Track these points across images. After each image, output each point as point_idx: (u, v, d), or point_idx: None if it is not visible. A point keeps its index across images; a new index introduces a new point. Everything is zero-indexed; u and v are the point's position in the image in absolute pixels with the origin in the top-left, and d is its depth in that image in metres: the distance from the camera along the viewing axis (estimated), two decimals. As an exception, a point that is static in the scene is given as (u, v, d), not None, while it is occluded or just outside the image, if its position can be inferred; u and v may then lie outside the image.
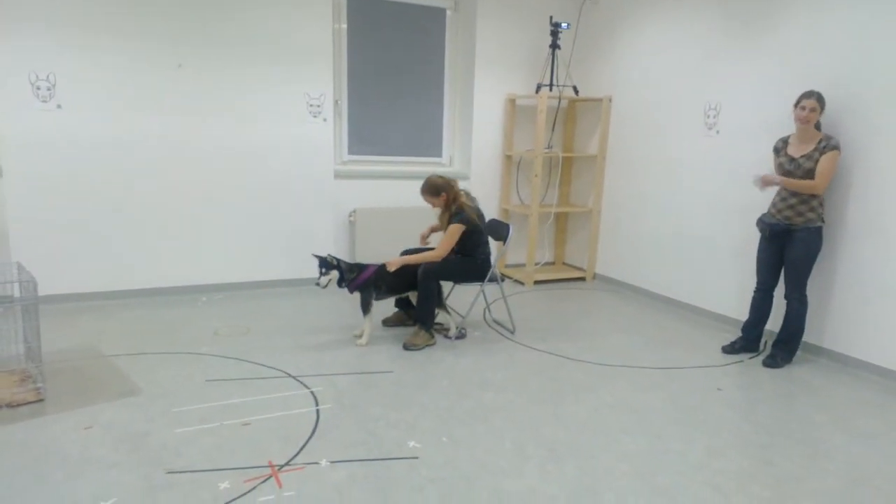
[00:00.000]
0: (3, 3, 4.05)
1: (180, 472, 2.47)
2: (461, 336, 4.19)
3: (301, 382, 3.39)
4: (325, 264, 3.92)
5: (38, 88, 4.21)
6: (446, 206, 4.05)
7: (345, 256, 5.43)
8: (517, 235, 5.58)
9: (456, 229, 3.97)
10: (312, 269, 5.19)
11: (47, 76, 4.22)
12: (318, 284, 3.92)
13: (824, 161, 3.58)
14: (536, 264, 5.89)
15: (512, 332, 4.34)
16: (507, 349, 4.05)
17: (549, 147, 5.91)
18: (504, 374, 3.62)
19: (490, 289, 4.51)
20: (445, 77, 5.87)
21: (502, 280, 4.58)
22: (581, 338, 4.32)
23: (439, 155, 5.99)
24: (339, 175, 5.36)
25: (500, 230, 4.49)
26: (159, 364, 3.56)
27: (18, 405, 2.92)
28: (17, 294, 3.21)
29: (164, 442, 2.70)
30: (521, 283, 5.76)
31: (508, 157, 5.94)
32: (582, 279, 5.99)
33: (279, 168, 5.06)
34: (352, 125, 5.54)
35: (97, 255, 4.58)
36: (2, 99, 4.14)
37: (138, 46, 4.44)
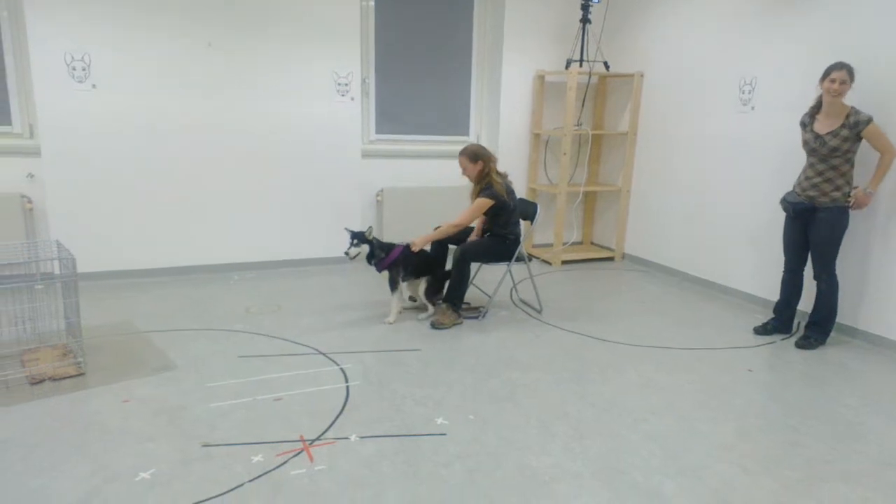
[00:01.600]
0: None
1: (215, 445, 2.55)
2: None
3: (331, 359, 3.44)
4: (359, 236, 3.96)
5: (74, 69, 4.29)
6: (479, 178, 4.04)
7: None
8: (545, 215, 5.55)
9: (482, 203, 3.97)
10: (341, 249, 5.28)
11: (82, 56, 4.30)
12: (346, 254, 3.97)
13: (874, 136, 3.48)
14: (564, 244, 5.85)
15: (539, 312, 4.34)
16: (533, 328, 4.05)
17: (579, 124, 5.83)
18: (530, 353, 3.63)
19: (517, 268, 4.50)
20: (473, 54, 5.82)
21: (529, 260, 4.58)
22: (608, 318, 4.30)
23: (466, 133, 5.96)
24: (366, 154, 5.38)
25: (527, 209, 4.47)
26: (193, 340, 3.65)
27: (60, 379, 3.04)
28: (56, 271, 3.31)
29: (199, 416, 2.78)
30: (549, 263, 5.73)
31: (537, 136, 5.88)
32: (610, 259, 5.94)
33: (307, 147, 5.10)
34: (379, 104, 5.54)
35: (132, 233, 4.69)
36: (39, 80, 4.25)
37: (169, 26, 4.49)
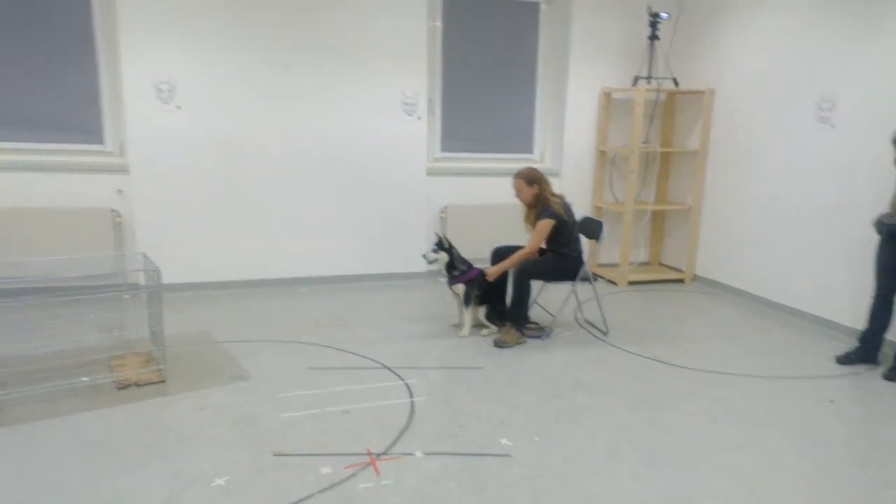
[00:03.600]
0: (131, 14, 4.43)
1: (286, 455, 2.62)
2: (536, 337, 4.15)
3: (396, 374, 3.49)
4: (441, 244, 4.07)
5: (161, 91, 4.57)
6: (534, 202, 4.04)
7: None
8: (611, 234, 5.46)
9: (545, 224, 3.96)
10: (405, 265, 5.37)
11: (169, 79, 4.57)
12: (424, 257, 4.13)
13: None
14: (631, 264, 5.73)
15: (605, 334, 4.26)
16: (599, 350, 3.98)
17: (646, 142, 5.73)
18: (596, 376, 3.56)
19: (582, 288, 4.45)
20: (538, 72, 5.83)
21: (595, 279, 4.51)
22: (679, 342, 4.17)
23: (530, 151, 5.96)
24: (431, 172, 5.45)
25: (592, 228, 4.41)
26: (265, 351, 3.77)
27: (144, 385, 3.20)
28: (142, 282, 3.50)
29: (272, 425, 2.87)
30: (615, 284, 5.63)
31: (602, 153, 5.81)
32: (680, 281, 5.77)
33: (375, 165, 5.22)
34: (444, 122, 5.62)
35: (210, 246, 4.90)
36: (129, 101, 4.54)
37: (248, 51, 4.72)
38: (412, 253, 5.43)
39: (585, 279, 4.18)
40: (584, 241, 4.31)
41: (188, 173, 4.75)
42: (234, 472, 2.49)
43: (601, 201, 5.88)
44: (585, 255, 4.28)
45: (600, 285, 5.41)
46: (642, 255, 6.11)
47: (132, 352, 3.48)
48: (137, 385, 3.18)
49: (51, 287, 3.27)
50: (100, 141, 4.73)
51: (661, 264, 6.19)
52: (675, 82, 5.51)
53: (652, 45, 5.40)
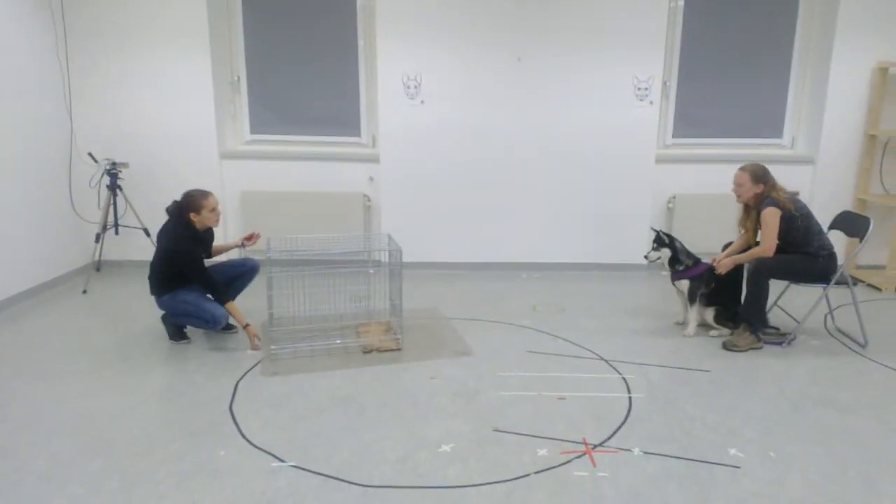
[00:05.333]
0: (386, 18, 4.93)
1: (505, 431, 2.76)
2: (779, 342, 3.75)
3: (613, 367, 3.44)
4: (660, 239, 3.91)
5: (409, 87, 5.03)
6: (754, 203, 3.68)
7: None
8: (878, 232, 4.66)
9: (770, 214, 3.55)
10: (628, 255, 5.22)
11: (415, 76, 5.01)
12: (645, 258, 4.02)
13: None
14: (902, 267, 4.86)
15: (862, 346, 3.71)
16: (854, 364, 3.48)
17: (933, 124, 4.78)
18: (851, 394, 3.13)
19: (835, 292, 3.90)
20: (795, 48, 5.20)
21: (854, 284, 3.92)
22: (965, 365, 3.46)
23: (779, 135, 5.35)
24: (660, 159, 5.20)
25: (854, 224, 3.85)
26: (487, 330, 3.98)
27: (384, 351, 3.60)
28: (386, 260, 3.92)
29: (492, 401, 3.03)
30: (878, 289, 4.83)
31: (872, 138, 4.99)
32: (970, 290, 4.75)
33: (600, 153, 5.14)
34: (679, 107, 5.31)
35: (444, 230, 5.28)
36: (383, 98, 5.06)
37: (486, 47, 4.97)
38: (635, 244, 5.28)
39: (842, 282, 3.67)
40: (845, 240, 3.77)
41: (429, 163, 5.17)
42: (458, 440, 2.68)
43: (867, 193, 5.07)
44: (841, 255, 3.74)
45: (860, 290, 4.69)
46: (918, 257, 5.13)
47: (375, 321, 3.94)
48: (379, 351, 3.59)
49: (313, 260, 3.83)
50: (357, 134, 5.38)
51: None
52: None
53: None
